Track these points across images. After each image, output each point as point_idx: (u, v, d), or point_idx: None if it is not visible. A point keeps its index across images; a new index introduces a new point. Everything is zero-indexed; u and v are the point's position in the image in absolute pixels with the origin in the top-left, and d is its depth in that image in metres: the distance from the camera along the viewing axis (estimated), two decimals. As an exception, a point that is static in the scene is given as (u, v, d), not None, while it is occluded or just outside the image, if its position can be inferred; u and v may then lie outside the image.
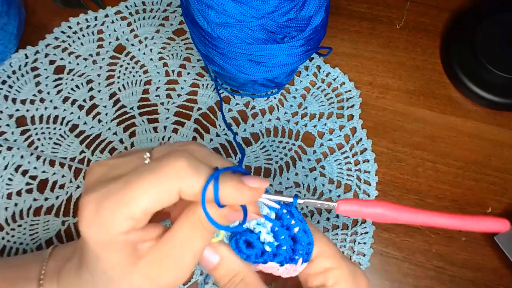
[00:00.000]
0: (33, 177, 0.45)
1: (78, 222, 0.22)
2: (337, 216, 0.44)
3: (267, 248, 0.25)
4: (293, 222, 0.26)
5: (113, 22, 0.51)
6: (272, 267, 0.26)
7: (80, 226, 0.22)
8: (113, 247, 0.22)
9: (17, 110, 0.47)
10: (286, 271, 0.26)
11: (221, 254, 0.25)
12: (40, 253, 0.33)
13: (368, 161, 0.45)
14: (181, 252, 0.23)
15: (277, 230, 0.25)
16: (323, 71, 0.49)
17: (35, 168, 0.45)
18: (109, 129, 0.47)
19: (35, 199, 0.44)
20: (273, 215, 0.26)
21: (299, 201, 0.25)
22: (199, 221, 0.23)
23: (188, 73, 0.49)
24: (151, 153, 0.24)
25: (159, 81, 0.49)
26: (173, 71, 0.49)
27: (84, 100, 0.48)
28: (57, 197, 0.44)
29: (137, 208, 0.21)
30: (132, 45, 0.50)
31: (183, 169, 0.22)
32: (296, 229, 0.26)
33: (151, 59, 0.49)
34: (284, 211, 0.26)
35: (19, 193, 0.44)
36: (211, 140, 0.46)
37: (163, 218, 0.28)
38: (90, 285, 0.24)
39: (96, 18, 0.51)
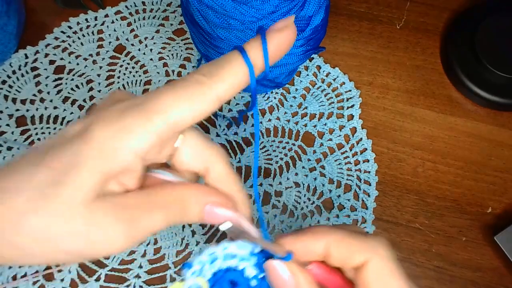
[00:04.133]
0: (33, 177, 0.45)
1: (92, 124, 0.18)
2: (337, 216, 0.44)
3: (253, 283, 0.24)
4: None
5: (113, 22, 0.51)
6: None
7: (96, 127, 0.18)
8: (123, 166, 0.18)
9: (17, 110, 0.47)
10: None
11: (297, 281, 0.22)
12: None
13: (368, 161, 0.45)
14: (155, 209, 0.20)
15: (262, 261, 0.24)
16: (323, 71, 0.49)
17: (35, 168, 0.45)
18: (109, 129, 0.47)
19: (35, 199, 0.44)
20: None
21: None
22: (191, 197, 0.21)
23: (188, 73, 0.49)
24: None
25: (159, 81, 0.49)
26: (173, 71, 0.49)
27: (84, 100, 0.48)
28: (57, 197, 0.44)
29: (167, 119, 0.19)
30: (132, 45, 0.50)
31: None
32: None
33: (151, 59, 0.49)
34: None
35: (19, 193, 0.44)
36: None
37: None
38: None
39: (96, 18, 0.51)
